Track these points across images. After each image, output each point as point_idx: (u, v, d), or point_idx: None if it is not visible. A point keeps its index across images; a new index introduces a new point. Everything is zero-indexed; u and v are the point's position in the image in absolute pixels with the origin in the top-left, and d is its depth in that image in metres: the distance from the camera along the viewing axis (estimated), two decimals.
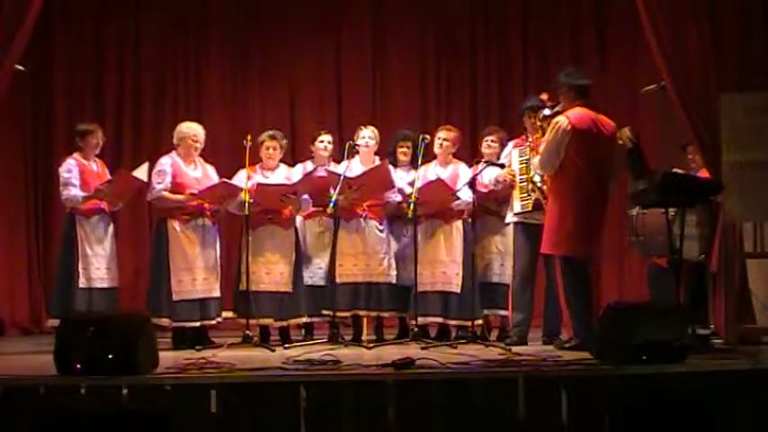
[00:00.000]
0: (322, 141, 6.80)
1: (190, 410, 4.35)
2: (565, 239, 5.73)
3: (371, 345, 6.23)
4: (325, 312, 6.52)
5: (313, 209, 6.68)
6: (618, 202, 6.24)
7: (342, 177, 6.23)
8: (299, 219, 6.70)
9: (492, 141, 6.62)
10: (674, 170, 6.27)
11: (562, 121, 5.72)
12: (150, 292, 6.38)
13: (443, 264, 6.49)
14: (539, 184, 6.12)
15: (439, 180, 6.43)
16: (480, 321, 6.46)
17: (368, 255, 6.50)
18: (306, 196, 6.56)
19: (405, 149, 6.72)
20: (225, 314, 6.56)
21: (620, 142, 5.98)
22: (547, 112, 6.08)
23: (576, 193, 5.71)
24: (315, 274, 6.65)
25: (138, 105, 8.52)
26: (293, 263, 6.50)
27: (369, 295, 6.50)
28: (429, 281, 6.48)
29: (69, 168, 6.54)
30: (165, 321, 6.24)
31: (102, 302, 6.42)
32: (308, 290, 6.59)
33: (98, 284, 6.47)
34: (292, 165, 6.90)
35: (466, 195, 6.40)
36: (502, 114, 8.43)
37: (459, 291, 6.41)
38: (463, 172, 6.57)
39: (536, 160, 5.98)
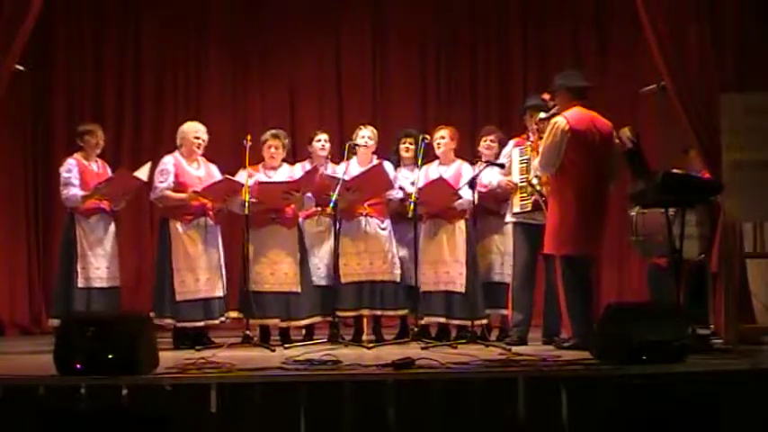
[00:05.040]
0: (319, 140, 6.79)
1: (190, 410, 4.35)
2: (566, 239, 5.73)
3: (371, 345, 6.22)
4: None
5: (313, 208, 6.68)
6: (618, 202, 6.24)
7: (340, 180, 6.23)
8: (299, 218, 6.70)
9: (491, 141, 6.62)
10: (674, 170, 6.26)
11: (560, 121, 5.73)
12: (154, 292, 6.40)
13: (446, 264, 6.48)
14: (537, 188, 6.12)
15: (441, 179, 6.42)
16: (485, 321, 6.47)
17: (371, 253, 6.51)
18: (309, 195, 6.55)
19: (408, 145, 6.71)
20: (231, 314, 6.57)
21: (619, 142, 5.98)
22: (542, 115, 6.09)
23: (576, 193, 5.72)
24: (314, 273, 6.64)
25: (137, 105, 8.54)
26: (298, 262, 6.49)
27: (373, 294, 6.50)
28: (432, 280, 6.48)
29: (69, 168, 6.54)
30: (168, 322, 6.26)
31: (102, 302, 6.42)
32: (311, 289, 6.58)
33: (97, 284, 6.47)
34: (293, 165, 6.89)
35: (468, 195, 6.39)
36: (502, 114, 8.43)
37: (463, 290, 6.40)
38: (466, 171, 6.57)
39: (536, 162, 5.99)
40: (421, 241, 6.46)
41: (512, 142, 6.51)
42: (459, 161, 6.70)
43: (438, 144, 6.65)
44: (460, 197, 6.40)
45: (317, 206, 6.64)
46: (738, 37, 6.13)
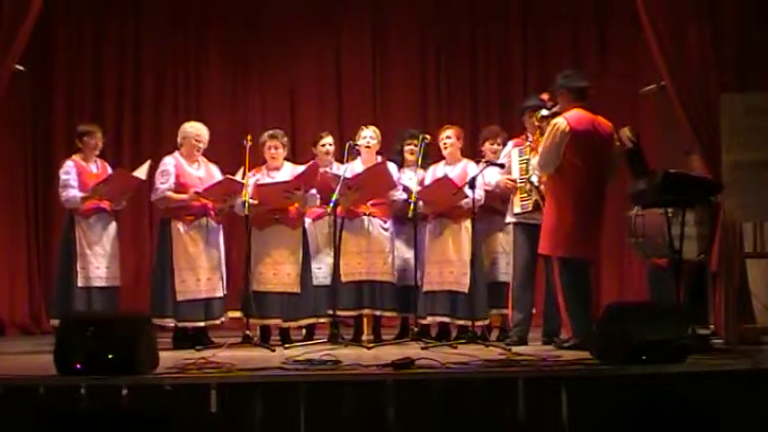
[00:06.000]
0: (324, 145, 6.81)
1: (190, 410, 4.35)
2: (563, 240, 5.74)
3: (371, 345, 6.22)
4: (331, 313, 6.46)
5: (322, 209, 6.66)
6: (618, 202, 6.24)
7: (342, 179, 6.23)
8: (308, 220, 6.69)
9: (497, 145, 6.61)
10: (672, 170, 6.25)
11: (560, 122, 5.74)
12: (154, 292, 6.40)
13: (452, 263, 6.44)
14: (536, 185, 6.12)
15: (446, 178, 6.40)
16: (488, 321, 6.46)
17: (372, 253, 6.50)
18: (313, 191, 6.54)
19: (412, 147, 6.69)
20: (231, 314, 6.56)
21: (619, 142, 5.98)
22: (544, 112, 6.09)
23: (573, 193, 5.72)
24: (327, 274, 6.60)
25: (137, 105, 8.54)
26: (300, 263, 6.48)
27: (372, 294, 6.49)
28: (437, 280, 6.47)
29: (67, 170, 6.55)
30: (169, 322, 6.26)
31: (102, 302, 6.43)
32: (317, 290, 6.56)
33: (97, 283, 6.47)
34: (298, 165, 6.87)
35: (470, 194, 6.38)
36: (502, 114, 8.43)
37: (467, 290, 6.38)
38: (471, 170, 6.53)
39: (535, 161, 5.99)
40: (426, 241, 6.44)
41: (511, 142, 6.51)
42: (465, 160, 6.67)
43: (444, 144, 6.64)
44: (467, 196, 6.36)
45: (322, 204, 6.62)
46: (738, 37, 6.13)
